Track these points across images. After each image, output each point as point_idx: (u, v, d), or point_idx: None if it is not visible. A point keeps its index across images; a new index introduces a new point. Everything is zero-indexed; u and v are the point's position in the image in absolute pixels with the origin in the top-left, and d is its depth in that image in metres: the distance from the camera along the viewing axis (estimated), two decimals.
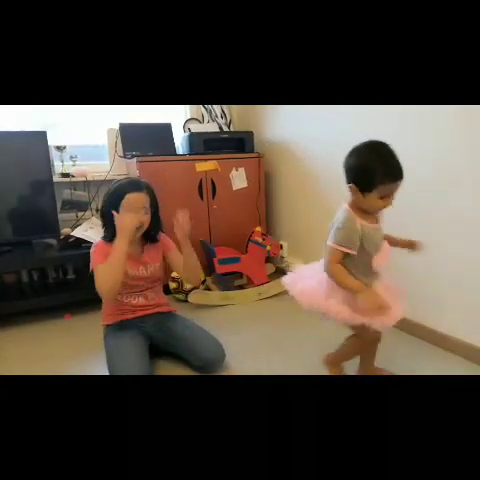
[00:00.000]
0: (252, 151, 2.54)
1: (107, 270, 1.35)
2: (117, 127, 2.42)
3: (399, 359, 1.53)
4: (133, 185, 1.45)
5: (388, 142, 1.17)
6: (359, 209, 1.15)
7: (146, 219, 1.46)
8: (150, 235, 1.54)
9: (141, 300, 1.55)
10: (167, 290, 1.68)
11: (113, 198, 1.44)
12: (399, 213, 1.73)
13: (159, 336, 1.54)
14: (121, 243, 1.37)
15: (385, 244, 1.20)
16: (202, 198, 2.38)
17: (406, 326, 1.73)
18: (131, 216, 1.39)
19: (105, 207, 1.48)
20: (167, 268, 1.64)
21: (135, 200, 1.42)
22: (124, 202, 1.41)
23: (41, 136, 2.04)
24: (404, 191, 1.17)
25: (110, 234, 1.46)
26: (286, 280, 1.30)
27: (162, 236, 1.60)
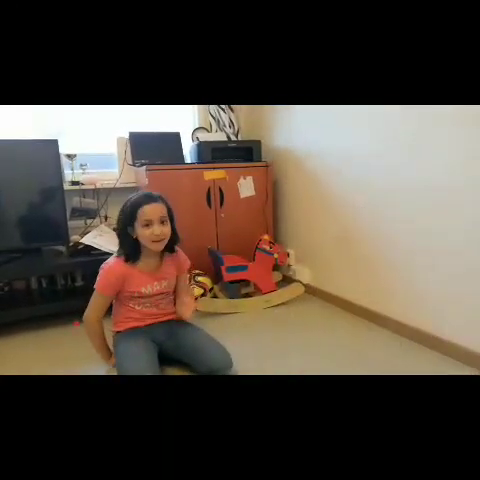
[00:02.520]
0: (260, 160, 2.56)
1: (91, 337, 1.55)
2: (127, 136, 2.45)
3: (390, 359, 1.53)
4: (147, 197, 1.42)
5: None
6: None
7: (167, 230, 1.44)
8: (168, 246, 1.52)
9: (153, 309, 1.56)
10: None
11: (128, 214, 1.41)
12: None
13: (168, 343, 1.55)
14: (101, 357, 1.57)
15: None
16: (210, 206, 2.39)
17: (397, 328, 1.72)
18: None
19: (120, 225, 1.44)
20: None
21: (150, 211, 1.39)
22: (139, 215, 1.39)
23: (53, 144, 2.07)
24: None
25: (126, 254, 1.46)
26: None
27: (180, 253, 1.60)
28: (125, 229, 1.43)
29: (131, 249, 1.45)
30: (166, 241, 1.46)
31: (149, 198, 1.42)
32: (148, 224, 1.39)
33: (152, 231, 1.39)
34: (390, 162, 1.78)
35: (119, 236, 1.47)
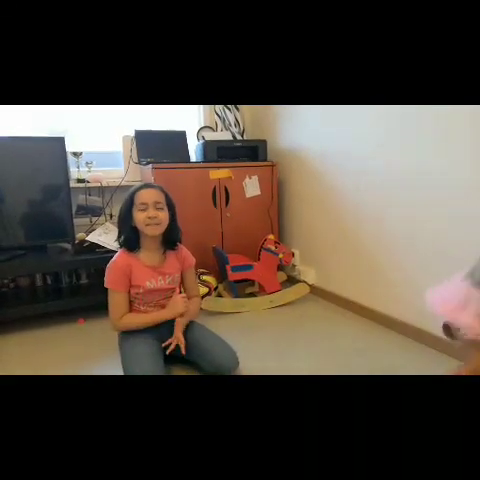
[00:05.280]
0: (265, 159, 2.56)
1: (130, 324, 1.50)
2: (132, 134, 2.45)
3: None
4: (145, 184, 1.50)
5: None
6: None
7: (162, 216, 1.45)
8: (169, 241, 1.54)
9: (158, 309, 1.55)
10: None
11: (127, 201, 1.47)
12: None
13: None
14: (164, 316, 1.49)
15: None
16: (215, 205, 2.39)
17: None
18: (182, 298, 1.49)
19: (120, 213, 1.49)
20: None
21: (146, 194, 1.44)
22: (136, 200, 1.44)
23: (59, 142, 2.07)
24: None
25: (125, 241, 1.48)
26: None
27: (184, 249, 1.61)
28: (124, 216, 1.47)
29: (129, 236, 1.48)
30: (162, 227, 1.47)
31: (147, 185, 1.49)
32: (144, 208, 1.43)
33: (147, 214, 1.42)
34: (395, 162, 1.78)
35: (118, 223, 1.51)
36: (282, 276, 2.57)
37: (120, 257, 1.49)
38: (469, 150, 1.46)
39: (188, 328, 1.57)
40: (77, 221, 2.34)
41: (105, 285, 1.47)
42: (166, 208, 1.47)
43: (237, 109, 2.81)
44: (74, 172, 2.41)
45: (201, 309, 2.10)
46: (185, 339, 1.52)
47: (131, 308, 1.53)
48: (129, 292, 1.50)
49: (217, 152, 2.46)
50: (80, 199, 2.41)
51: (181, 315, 1.51)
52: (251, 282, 2.38)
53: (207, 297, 2.15)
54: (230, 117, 2.79)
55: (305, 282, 2.38)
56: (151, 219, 1.42)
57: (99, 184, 2.41)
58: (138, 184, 1.51)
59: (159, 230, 1.46)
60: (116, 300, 1.47)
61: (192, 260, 1.63)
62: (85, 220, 2.43)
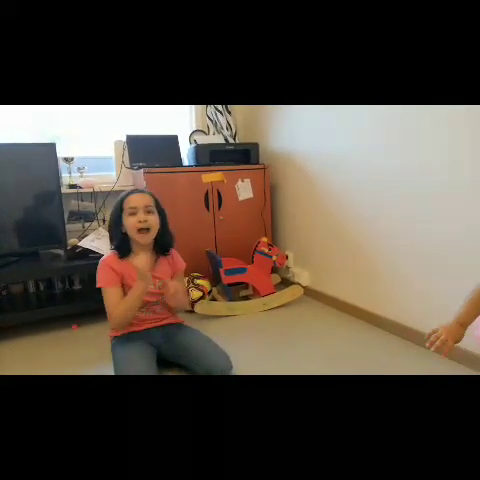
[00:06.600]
0: (257, 162, 2.57)
1: (122, 310, 1.42)
2: (124, 139, 2.45)
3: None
4: (134, 189, 1.52)
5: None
6: None
7: (153, 219, 1.45)
8: (161, 246, 1.54)
9: (149, 314, 1.55)
10: None
11: (117, 207, 1.48)
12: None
13: (166, 347, 1.54)
14: (140, 286, 1.40)
15: None
16: (208, 209, 2.39)
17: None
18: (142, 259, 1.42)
19: (110, 219, 1.50)
20: None
21: (136, 199, 1.45)
22: (125, 205, 1.44)
23: (50, 148, 2.06)
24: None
25: (116, 248, 1.48)
26: None
27: (175, 253, 1.60)
28: (115, 222, 1.47)
29: (120, 243, 1.47)
30: (153, 233, 1.47)
31: (135, 190, 1.52)
32: (134, 212, 1.43)
33: (137, 218, 1.42)
34: (390, 164, 1.79)
35: (109, 230, 1.51)
36: (276, 278, 2.57)
37: (109, 256, 1.50)
38: (469, 150, 1.45)
39: (179, 332, 1.57)
40: (70, 227, 2.33)
41: (97, 285, 1.47)
42: (156, 212, 1.47)
43: (229, 112, 2.81)
44: (66, 178, 2.40)
45: (195, 313, 2.10)
46: (177, 343, 1.52)
47: None
48: (123, 289, 1.49)
49: (209, 156, 2.46)
50: (72, 205, 2.40)
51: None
52: (245, 285, 2.38)
53: (201, 301, 2.15)
54: (222, 120, 2.80)
55: (299, 284, 2.38)
56: (141, 223, 1.42)
57: (91, 189, 2.40)
58: (127, 190, 1.52)
59: (150, 237, 1.46)
60: (109, 296, 1.45)
61: (182, 264, 1.63)
62: (78, 226, 2.42)
